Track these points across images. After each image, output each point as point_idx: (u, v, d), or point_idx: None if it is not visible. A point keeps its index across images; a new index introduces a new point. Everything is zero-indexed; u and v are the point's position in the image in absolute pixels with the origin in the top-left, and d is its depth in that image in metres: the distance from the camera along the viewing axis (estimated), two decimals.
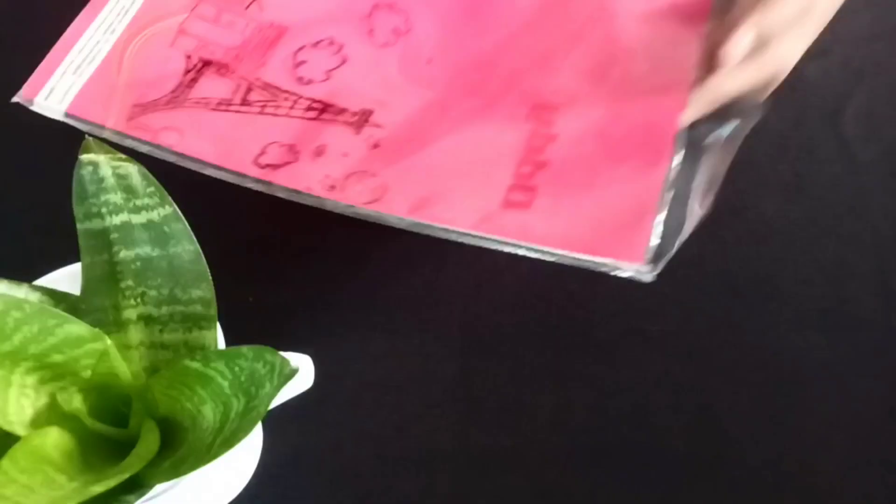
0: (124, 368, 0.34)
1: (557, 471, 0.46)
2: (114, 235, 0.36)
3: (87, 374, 0.34)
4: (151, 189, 0.36)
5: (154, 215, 0.36)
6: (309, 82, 0.47)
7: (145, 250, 0.36)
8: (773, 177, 0.55)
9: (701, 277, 0.52)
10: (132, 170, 0.36)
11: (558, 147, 0.45)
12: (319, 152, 0.45)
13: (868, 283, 0.52)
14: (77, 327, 0.33)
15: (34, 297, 0.36)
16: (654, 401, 0.48)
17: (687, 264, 0.52)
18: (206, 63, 0.47)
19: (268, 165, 0.44)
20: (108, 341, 0.33)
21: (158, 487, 0.34)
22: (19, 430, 0.33)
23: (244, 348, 0.32)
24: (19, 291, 0.35)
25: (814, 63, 0.59)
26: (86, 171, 0.36)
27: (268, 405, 0.31)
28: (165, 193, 0.36)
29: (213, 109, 0.46)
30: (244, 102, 0.46)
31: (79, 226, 0.36)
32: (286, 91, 0.47)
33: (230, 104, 0.46)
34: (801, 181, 0.55)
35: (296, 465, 0.47)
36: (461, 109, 0.47)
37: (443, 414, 0.48)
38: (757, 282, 0.52)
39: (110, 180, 0.36)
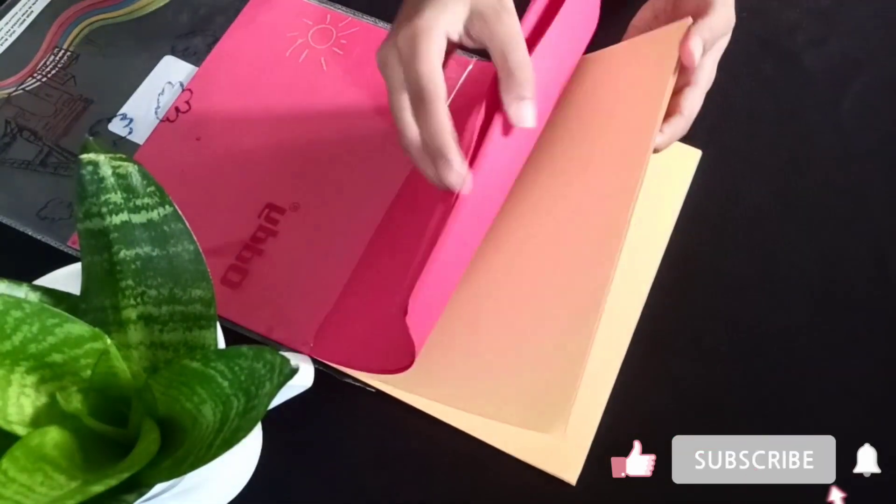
0: (124, 368, 0.34)
1: None
2: (114, 235, 0.36)
3: (87, 373, 0.34)
4: (151, 189, 0.36)
5: (154, 215, 0.36)
6: None
7: (145, 250, 0.36)
8: (771, 163, 0.56)
9: (698, 263, 0.52)
10: (132, 169, 0.36)
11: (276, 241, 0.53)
12: None
13: (864, 269, 0.52)
14: (77, 327, 0.33)
15: (34, 296, 0.36)
16: (655, 391, 0.48)
17: (684, 251, 0.52)
18: (21, 129, 0.56)
19: (47, 217, 0.53)
20: (108, 341, 0.33)
21: (158, 487, 0.33)
22: (19, 429, 0.33)
23: (244, 348, 0.32)
24: (19, 291, 0.35)
25: (813, 53, 0.59)
26: (86, 171, 0.36)
27: (268, 405, 0.31)
28: (165, 193, 0.36)
29: (16, 168, 0.55)
30: (42, 163, 0.55)
31: (79, 225, 0.36)
32: (77, 156, 0.55)
33: (30, 164, 0.55)
34: (799, 168, 0.55)
35: (296, 465, 0.47)
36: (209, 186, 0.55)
37: (449, 434, 0.48)
38: (753, 266, 0.52)
39: (110, 180, 0.36)
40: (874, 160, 0.56)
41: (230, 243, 0.52)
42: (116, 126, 0.57)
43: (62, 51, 0.59)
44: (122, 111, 0.57)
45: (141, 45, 0.60)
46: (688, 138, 0.56)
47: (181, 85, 0.58)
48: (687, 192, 0.54)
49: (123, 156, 0.36)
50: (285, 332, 0.50)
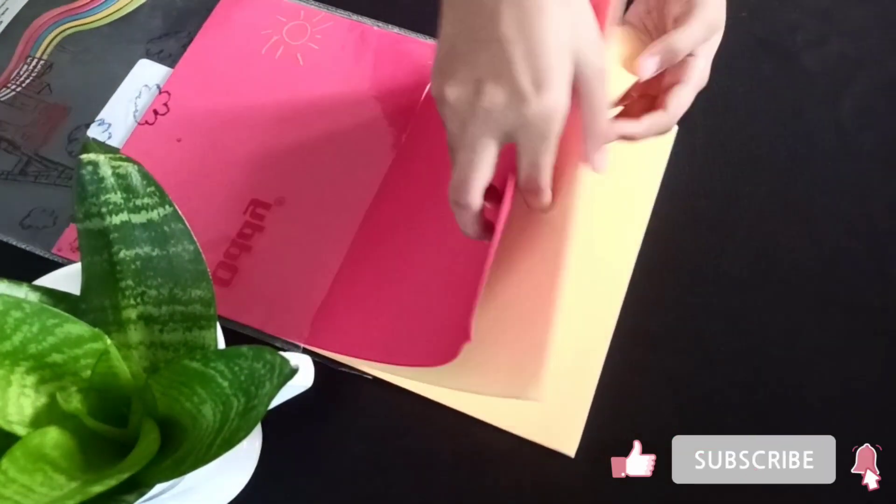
0: (124, 368, 0.34)
1: None
2: (113, 235, 0.36)
3: (87, 374, 0.34)
4: (151, 189, 0.36)
5: (154, 215, 0.36)
6: (77, 155, 0.56)
7: (145, 250, 0.36)
8: (771, 163, 0.56)
9: (697, 264, 0.52)
10: (132, 169, 0.36)
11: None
12: (73, 218, 0.53)
13: (864, 268, 0.52)
14: (77, 327, 0.33)
15: (34, 297, 0.36)
16: (654, 393, 0.48)
17: (683, 251, 0.52)
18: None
19: (30, 226, 0.53)
20: (108, 341, 0.33)
21: (158, 487, 0.33)
22: (19, 430, 0.33)
23: (244, 348, 0.32)
24: (19, 291, 0.35)
25: (812, 53, 0.59)
26: (86, 171, 0.36)
27: (267, 405, 0.31)
28: (165, 193, 0.36)
29: None
30: (22, 172, 0.55)
31: (79, 225, 0.36)
32: (57, 163, 0.56)
33: (9, 174, 0.55)
34: (799, 167, 0.55)
35: (295, 466, 0.47)
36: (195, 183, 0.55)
37: (441, 415, 0.48)
38: (753, 266, 0.52)
39: (110, 180, 0.36)
40: (874, 160, 0.56)
41: (217, 241, 0.53)
42: (95, 132, 0.56)
43: (35, 60, 0.59)
44: (99, 117, 0.57)
45: (115, 49, 0.60)
46: (688, 136, 0.56)
47: (158, 87, 0.58)
48: (681, 189, 0.54)
49: (123, 156, 0.36)
50: (279, 325, 0.50)
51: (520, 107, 0.38)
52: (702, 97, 0.56)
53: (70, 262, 0.51)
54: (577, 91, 0.39)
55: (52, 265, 0.51)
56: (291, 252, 0.52)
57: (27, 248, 0.52)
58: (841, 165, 0.56)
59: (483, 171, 0.40)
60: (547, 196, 0.42)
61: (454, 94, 0.39)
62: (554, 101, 0.37)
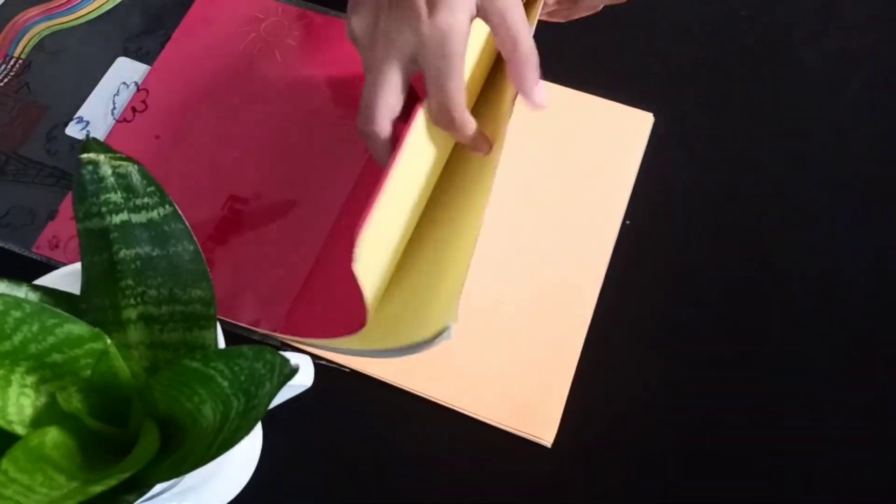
0: (124, 368, 0.34)
1: None
2: (114, 235, 0.36)
3: (87, 373, 0.34)
4: (151, 188, 0.36)
5: (154, 214, 0.36)
6: (55, 153, 0.57)
7: (145, 249, 0.36)
8: (769, 159, 0.56)
9: (697, 264, 0.52)
10: (132, 169, 0.36)
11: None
12: (52, 216, 0.54)
13: (862, 264, 0.52)
14: (77, 327, 0.33)
15: (34, 296, 0.36)
16: (651, 392, 0.48)
17: (684, 251, 0.52)
18: None
19: (9, 224, 0.53)
20: (108, 341, 0.33)
21: (158, 487, 0.33)
22: (19, 429, 0.33)
23: (244, 347, 0.32)
24: (19, 291, 0.35)
25: (811, 49, 0.59)
26: (86, 171, 0.36)
27: (268, 405, 0.31)
28: (165, 193, 0.36)
29: None
30: (0, 172, 0.55)
31: (79, 225, 0.36)
32: (36, 162, 0.56)
33: None
34: (798, 165, 0.55)
35: (295, 465, 0.47)
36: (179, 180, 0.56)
37: (441, 414, 0.48)
38: (751, 262, 0.52)
39: (110, 179, 0.36)
40: (874, 157, 0.56)
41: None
42: (73, 130, 0.57)
43: (13, 59, 0.60)
44: (78, 115, 0.57)
45: (93, 48, 0.60)
46: (687, 136, 0.56)
47: (136, 85, 0.59)
48: (679, 188, 0.54)
49: (123, 155, 0.36)
50: (256, 317, 0.50)
51: (415, 26, 0.39)
52: (701, 96, 0.57)
53: (49, 259, 0.51)
54: (490, 21, 0.41)
55: (30, 263, 0.51)
56: (268, 246, 0.53)
57: (5, 247, 0.52)
58: (840, 163, 0.56)
59: (387, 93, 0.41)
60: (466, 127, 0.42)
61: (359, 26, 0.42)
62: (448, 21, 0.39)
